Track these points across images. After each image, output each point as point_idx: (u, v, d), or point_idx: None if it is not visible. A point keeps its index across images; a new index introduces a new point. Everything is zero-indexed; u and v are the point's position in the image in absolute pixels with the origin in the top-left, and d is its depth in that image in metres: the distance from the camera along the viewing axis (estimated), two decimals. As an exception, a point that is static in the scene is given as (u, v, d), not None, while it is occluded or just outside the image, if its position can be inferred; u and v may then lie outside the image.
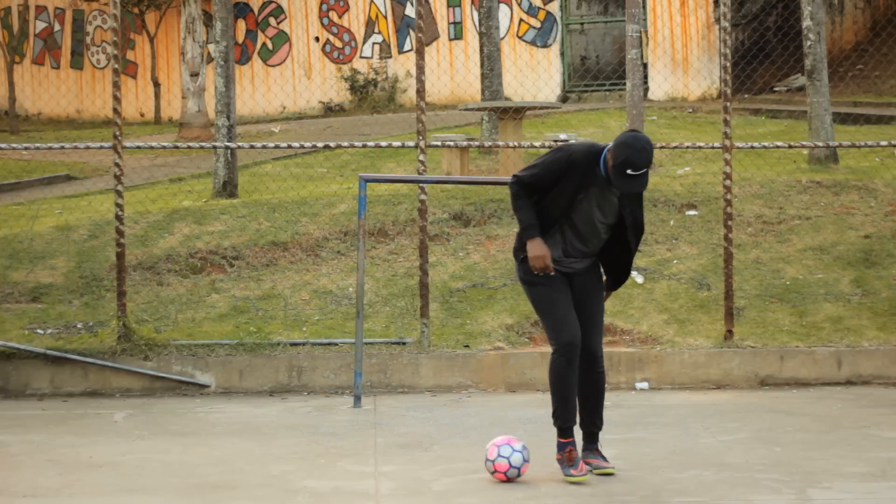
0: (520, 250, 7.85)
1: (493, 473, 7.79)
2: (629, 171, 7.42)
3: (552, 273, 7.76)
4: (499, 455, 7.79)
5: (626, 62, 15.32)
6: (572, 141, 7.88)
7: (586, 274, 7.91)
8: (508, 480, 7.76)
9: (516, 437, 7.96)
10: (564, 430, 7.84)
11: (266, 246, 13.05)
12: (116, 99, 11.59)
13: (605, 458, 8.01)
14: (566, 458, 7.84)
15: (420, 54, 11.85)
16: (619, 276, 8.03)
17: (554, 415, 7.85)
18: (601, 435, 8.10)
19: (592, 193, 7.68)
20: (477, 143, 15.29)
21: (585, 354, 7.90)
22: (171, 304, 12.15)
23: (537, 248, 7.70)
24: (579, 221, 7.74)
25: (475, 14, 26.33)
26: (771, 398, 10.86)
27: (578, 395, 7.98)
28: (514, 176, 7.81)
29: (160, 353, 11.33)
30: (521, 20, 27.15)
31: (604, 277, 8.05)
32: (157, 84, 28.31)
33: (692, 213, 13.71)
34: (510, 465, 7.77)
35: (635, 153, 7.40)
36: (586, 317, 7.90)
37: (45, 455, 8.73)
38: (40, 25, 30.45)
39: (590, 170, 7.63)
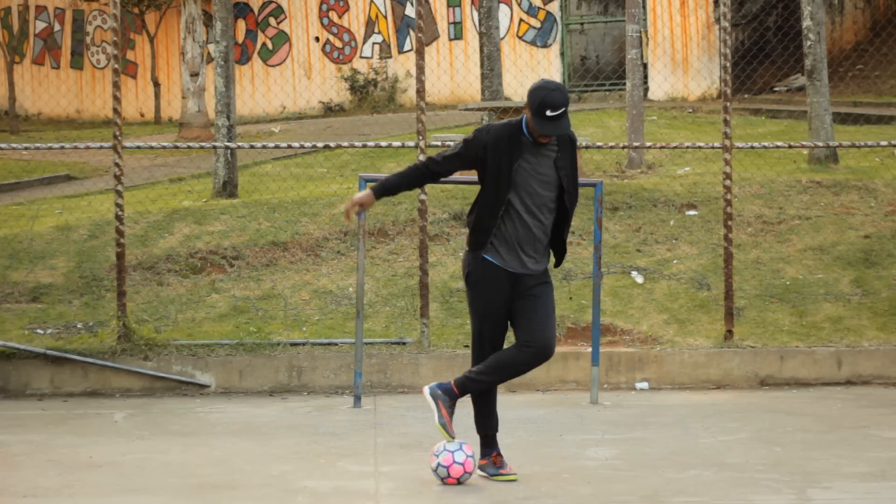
0: (471, 258, 7.71)
1: (446, 474, 7.75)
2: (548, 113, 7.38)
3: (349, 219, 7.75)
4: (444, 449, 7.76)
5: (626, 62, 15.33)
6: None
7: (537, 273, 7.73)
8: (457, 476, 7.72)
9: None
10: (490, 439, 7.82)
11: (266, 246, 13.05)
12: (116, 99, 11.59)
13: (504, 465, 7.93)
14: (492, 462, 7.81)
15: (420, 54, 11.84)
16: (559, 251, 7.82)
17: (477, 423, 7.86)
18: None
19: (526, 163, 7.56)
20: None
21: (543, 351, 7.66)
22: (171, 304, 12.15)
23: (363, 197, 7.72)
24: (523, 195, 7.57)
25: (475, 14, 26.33)
26: (771, 398, 10.86)
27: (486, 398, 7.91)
28: (428, 157, 7.76)
29: (160, 353, 11.32)
30: (521, 20, 27.16)
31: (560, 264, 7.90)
32: (157, 84, 28.31)
33: (692, 213, 13.71)
34: (454, 460, 7.73)
35: (549, 93, 7.39)
36: (540, 315, 7.67)
37: (45, 455, 8.73)
38: (40, 25, 30.45)
39: (515, 139, 7.56)
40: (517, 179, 7.58)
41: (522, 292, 7.67)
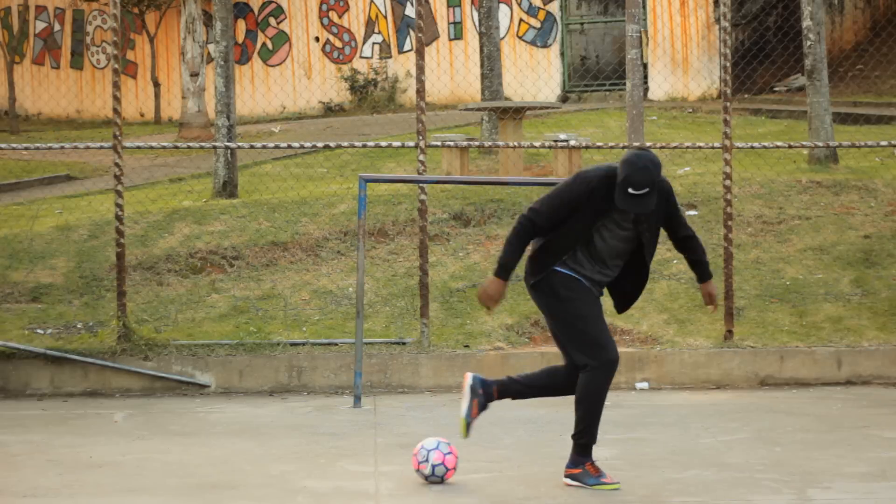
0: (540, 271, 7.57)
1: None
2: (630, 191, 7.25)
3: (491, 312, 7.68)
4: (427, 449, 7.80)
5: (626, 62, 15.32)
6: (587, 167, 7.62)
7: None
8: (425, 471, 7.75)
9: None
10: (587, 448, 7.68)
11: (266, 246, 13.05)
12: (116, 99, 11.59)
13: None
14: (587, 470, 7.65)
15: (420, 54, 11.84)
16: (699, 266, 7.84)
17: (582, 433, 7.64)
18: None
19: (611, 219, 7.48)
20: (477, 143, 15.29)
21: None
22: (171, 304, 12.15)
23: (495, 290, 7.56)
24: (599, 247, 7.53)
25: (475, 14, 26.33)
26: (771, 398, 10.86)
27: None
28: (530, 209, 7.54)
29: (160, 353, 11.33)
30: (521, 20, 27.15)
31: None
32: (157, 84, 28.30)
33: (692, 213, 13.71)
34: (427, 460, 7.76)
35: (635, 171, 7.24)
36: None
37: (45, 455, 8.73)
38: (40, 25, 30.44)
39: (608, 195, 7.39)
40: (596, 235, 7.49)
41: None
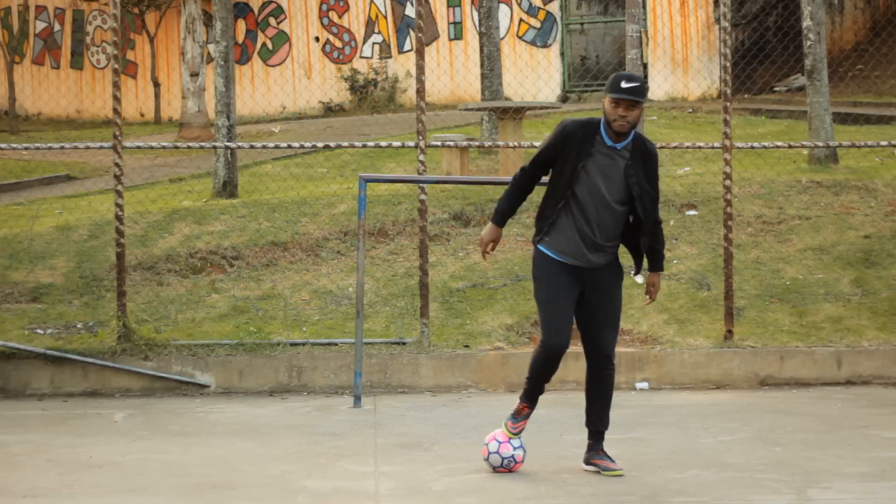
0: (535, 236, 7.92)
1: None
2: (623, 84, 7.64)
3: (487, 255, 8.04)
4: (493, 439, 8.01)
5: (626, 62, 15.31)
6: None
7: (604, 271, 7.88)
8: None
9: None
10: (527, 393, 8.02)
11: (266, 246, 13.05)
12: (116, 99, 11.59)
13: (612, 460, 8.00)
14: (515, 411, 8.03)
15: (420, 54, 11.85)
16: (637, 256, 7.98)
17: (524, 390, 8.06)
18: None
19: (593, 163, 7.73)
20: (477, 143, 15.29)
21: (596, 354, 7.92)
22: (171, 304, 12.15)
23: (488, 233, 7.98)
24: (584, 194, 7.73)
25: (475, 14, 26.33)
26: (771, 398, 10.86)
27: (587, 394, 8.02)
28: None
29: (160, 353, 11.33)
30: (521, 20, 27.15)
31: (640, 270, 8.02)
32: (157, 84, 28.31)
33: (692, 213, 13.71)
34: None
35: (625, 73, 7.74)
36: (600, 316, 7.88)
37: (45, 455, 8.73)
38: (40, 25, 30.45)
39: (587, 138, 7.74)
40: (582, 176, 7.73)
41: (590, 291, 7.87)
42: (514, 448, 7.97)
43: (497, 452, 7.98)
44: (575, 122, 7.83)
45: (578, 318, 7.94)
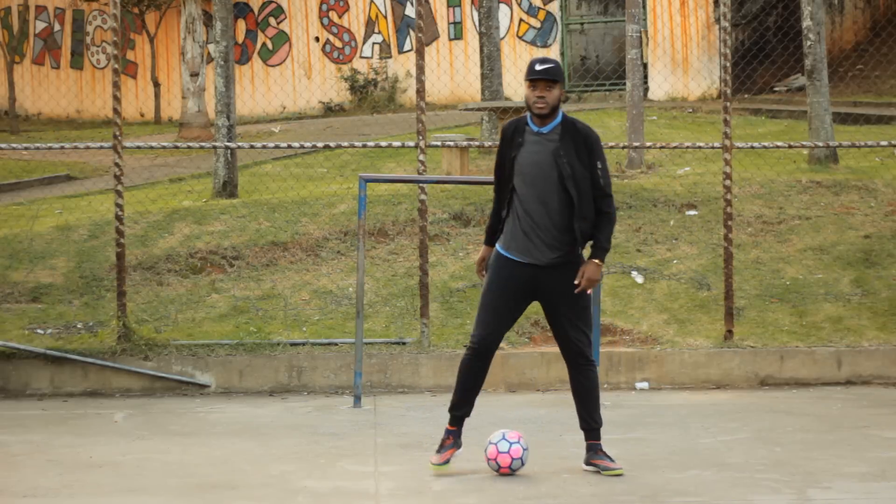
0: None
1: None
2: (536, 66, 7.84)
3: (482, 275, 8.10)
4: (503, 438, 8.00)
5: (626, 62, 15.33)
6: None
7: (561, 270, 7.87)
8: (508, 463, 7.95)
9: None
10: (452, 417, 8.05)
11: (266, 246, 13.05)
12: (116, 99, 11.59)
13: (611, 459, 8.00)
14: (441, 443, 8.04)
15: (420, 54, 11.84)
16: (573, 238, 7.89)
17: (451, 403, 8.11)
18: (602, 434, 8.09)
19: (525, 152, 7.88)
20: (477, 143, 15.30)
21: (570, 354, 7.98)
22: (171, 304, 12.15)
23: (480, 255, 8.14)
24: (522, 186, 7.86)
25: (475, 14, 26.33)
26: (771, 398, 10.86)
27: (573, 395, 8.04)
28: None
29: (160, 353, 11.33)
30: (521, 20, 27.15)
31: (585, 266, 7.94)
32: (157, 84, 28.31)
33: (692, 213, 13.71)
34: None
35: (540, 57, 7.94)
36: (563, 317, 7.91)
37: (45, 455, 8.73)
38: (40, 25, 30.44)
39: (518, 131, 7.95)
40: (517, 169, 7.89)
41: (547, 292, 7.93)
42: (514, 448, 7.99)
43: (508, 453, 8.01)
44: (509, 121, 8.06)
45: (548, 321, 8.05)
